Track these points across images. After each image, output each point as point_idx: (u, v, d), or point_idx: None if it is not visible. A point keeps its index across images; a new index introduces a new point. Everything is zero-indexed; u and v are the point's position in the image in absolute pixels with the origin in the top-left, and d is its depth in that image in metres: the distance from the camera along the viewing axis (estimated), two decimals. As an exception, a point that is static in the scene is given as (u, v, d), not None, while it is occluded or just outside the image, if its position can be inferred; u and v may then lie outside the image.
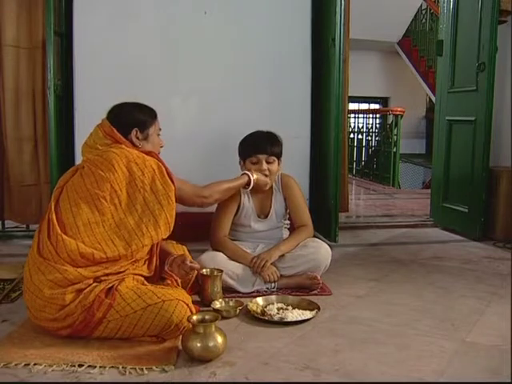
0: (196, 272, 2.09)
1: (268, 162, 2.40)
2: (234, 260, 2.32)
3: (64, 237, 1.75)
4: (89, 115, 3.00)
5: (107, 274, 1.78)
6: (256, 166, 2.40)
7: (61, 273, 1.71)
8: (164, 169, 1.90)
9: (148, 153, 1.94)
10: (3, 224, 3.35)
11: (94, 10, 3.00)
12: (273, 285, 2.32)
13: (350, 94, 3.82)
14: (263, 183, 2.38)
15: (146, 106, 2.07)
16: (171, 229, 1.91)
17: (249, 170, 2.37)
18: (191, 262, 1.99)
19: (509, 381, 1.52)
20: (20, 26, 3.10)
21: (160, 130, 2.10)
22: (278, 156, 2.45)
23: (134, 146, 1.96)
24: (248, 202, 2.48)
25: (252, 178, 2.32)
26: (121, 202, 1.81)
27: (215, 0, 3.12)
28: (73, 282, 1.72)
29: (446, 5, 3.71)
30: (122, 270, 1.81)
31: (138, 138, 1.97)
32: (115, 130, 1.93)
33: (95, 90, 3.02)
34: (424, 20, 9.25)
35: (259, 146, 2.41)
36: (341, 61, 2.95)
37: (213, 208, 2.51)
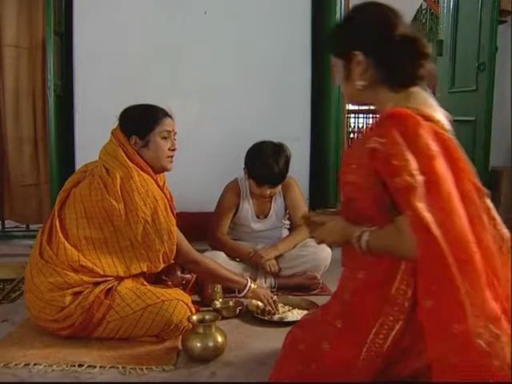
0: (193, 278, 2.10)
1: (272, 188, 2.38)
2: (233, 256, 2.33)
3: (67, 245, 1.75)
4: (89, 115, 3.05)
5: (107, 280, 1.78)
6: (259, 189, 2.38)
7: (62, 276, 1.71)
8: (167, 201, 1.85)
9: (153, 174, 1.88)
10: (3, 224, 3.35)
11: (94, 10, 3.01)
12: (273, 284, 2.32)
13: (349, 94, 3.80)
14: (259, 298, 2.01)
15: (150, 110, 1.95)
16: (170, 261, 1.89)
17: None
18: (182, 273, 2.04)
19: (509, 381, 1.52)
20: (20, 26, 3.10)
21: (170, 132, 1.94)
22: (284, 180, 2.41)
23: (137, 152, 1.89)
24: (247, 203, 2.48)
25: (249, 287, 1.98)
26: (124, 228, 1.78)
27: (215, 0, 3.12)
28: (73, 286, 1.72)
29: (446, 5, 3.71)
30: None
31: (136, 144, 1.89)
32: (122, 135, 1.88)
33: (95, 90, 3.02)
34: (424, 20, 9.23)
35: (266, 180, 2.34)
36: (341, 61, 2.94)
37: (212, 208, 2.51)
